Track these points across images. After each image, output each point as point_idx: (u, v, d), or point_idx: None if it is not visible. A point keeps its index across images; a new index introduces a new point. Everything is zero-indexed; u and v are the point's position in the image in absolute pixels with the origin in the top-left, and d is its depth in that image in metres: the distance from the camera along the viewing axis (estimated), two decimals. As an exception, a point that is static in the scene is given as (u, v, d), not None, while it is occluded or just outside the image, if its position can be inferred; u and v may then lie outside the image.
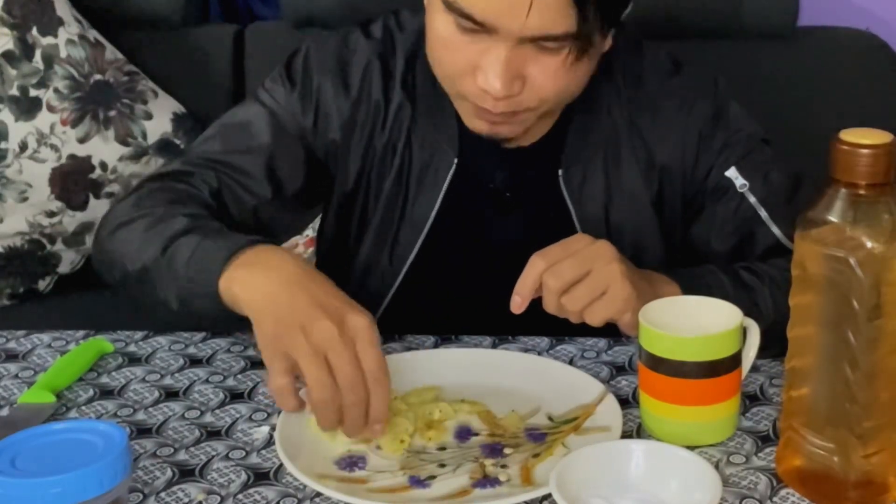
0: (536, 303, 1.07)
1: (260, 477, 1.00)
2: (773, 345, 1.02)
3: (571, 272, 1.05)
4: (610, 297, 1.05)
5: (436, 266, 1.29)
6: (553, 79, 1.14)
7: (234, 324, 1.10)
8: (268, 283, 1.03)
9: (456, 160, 1.27)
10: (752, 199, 1.26)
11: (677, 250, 1.32)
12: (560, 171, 1.27)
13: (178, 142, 1.86)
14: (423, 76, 1.28)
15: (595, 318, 1.07)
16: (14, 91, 1.78)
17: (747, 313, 1.04)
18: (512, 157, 1.28)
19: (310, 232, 1.80)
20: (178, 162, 1.30)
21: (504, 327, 1.06)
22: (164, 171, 1.29)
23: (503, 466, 1.00)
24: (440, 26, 1.14)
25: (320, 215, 1.40)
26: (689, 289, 1.12)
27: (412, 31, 1.30)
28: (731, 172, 1.26)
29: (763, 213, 1.25)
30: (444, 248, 1.29)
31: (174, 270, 1.11)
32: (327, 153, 1.30)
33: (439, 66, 1.19)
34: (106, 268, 1.23)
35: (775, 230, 1.25)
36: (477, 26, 1.10)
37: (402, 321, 1.27)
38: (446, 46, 1.15)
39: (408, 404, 1.08)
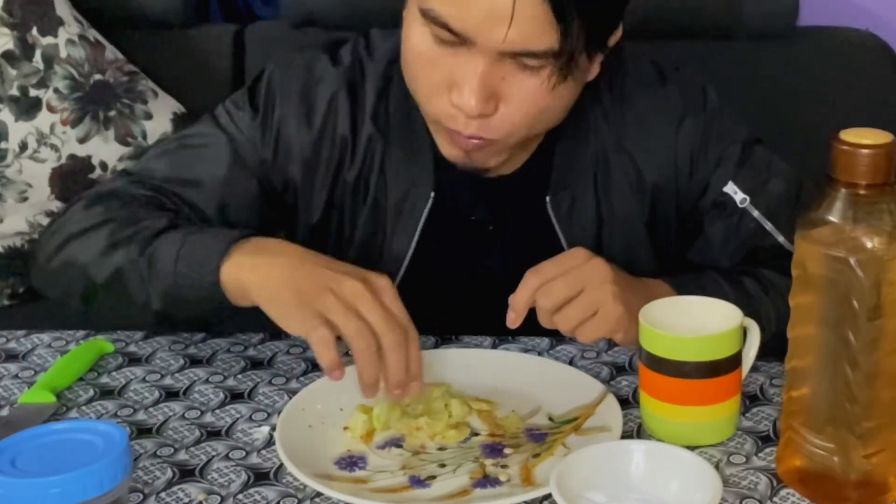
0: (534, 309, 1.07)
1: (260, 477, 1.00)
2: (776, 351, 1.01)
3: (563, 292, 1.05)
4: (601, 317, 1.05)
5: (416, 301, 1.17)
6: (530, 100, 1.09)
7: (222, 316, 1.12)
8: (279, 265, 1.05)
9: (433, 194, 1.23)
10: (756, 213, 1.23)
11: (670, 265, 1.27)
12: (547, 198, 1.23)
13: (178, 142, 1.86)
14: (396, 106, 1.23)
15: (586, 337, 1.06)
16: (14, 91, 1.78)
17: None
18: (493, 187, 1.24)
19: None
20: (124, 180, 1.25)
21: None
22: (106, 190, 1.25)
23: (503, 466, 1.00)
24: (417, 39, 1.09)
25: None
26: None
27: (383, 56, 1.24)
28: (730, 188, 1.23)
29: (768, 226, 1.23)
30: (424, 283, 1.23)
31: (158, 269, 1.11)
32: (286, 187, 1.26)
33: (415, 82, 1.13)
34: (60, 285, 1.21)
35: (781, 240, 1.22)
36: (455, 38, 1.06)
37: None
38: (423, 61, 1.10)
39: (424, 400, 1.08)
